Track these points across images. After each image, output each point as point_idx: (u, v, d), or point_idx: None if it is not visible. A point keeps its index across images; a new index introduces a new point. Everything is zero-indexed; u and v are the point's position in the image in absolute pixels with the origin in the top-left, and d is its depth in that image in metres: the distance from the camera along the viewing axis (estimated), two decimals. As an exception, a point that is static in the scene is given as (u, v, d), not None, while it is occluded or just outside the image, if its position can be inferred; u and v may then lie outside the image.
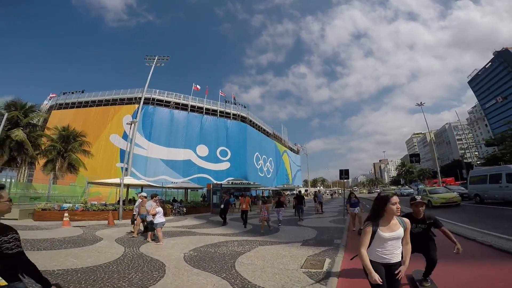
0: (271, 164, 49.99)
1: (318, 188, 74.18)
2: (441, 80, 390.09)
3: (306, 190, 50.63)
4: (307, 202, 18.72)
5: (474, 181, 17.45)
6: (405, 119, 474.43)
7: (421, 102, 38.32)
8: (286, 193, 39.37)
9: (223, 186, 24.43)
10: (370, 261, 2.37)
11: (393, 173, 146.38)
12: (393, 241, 2.42)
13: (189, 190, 26.58)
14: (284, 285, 4.17)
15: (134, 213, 9.79)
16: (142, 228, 9.33)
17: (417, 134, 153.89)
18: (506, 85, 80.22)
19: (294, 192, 46.61)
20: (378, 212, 2.49)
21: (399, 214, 2.52)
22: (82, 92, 41.32)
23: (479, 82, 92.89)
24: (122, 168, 19.77)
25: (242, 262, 5.52)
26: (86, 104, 39.77)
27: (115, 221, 12.81)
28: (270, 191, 42.85)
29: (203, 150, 37.21)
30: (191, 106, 39.27)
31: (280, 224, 11.64)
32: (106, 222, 12.47)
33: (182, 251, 6.64)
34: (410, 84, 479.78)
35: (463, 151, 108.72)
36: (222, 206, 12.45)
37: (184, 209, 18.05)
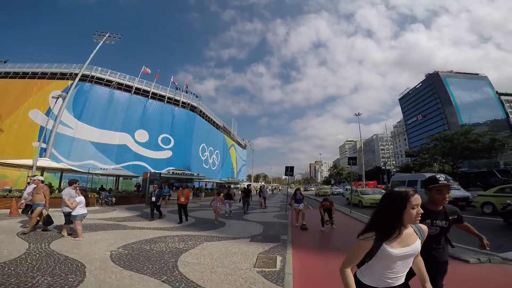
0: (217, 156, 48.92)
1: (261, 183, 76.15)
2: (378, 96, 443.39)
3: (249, 185, 51.07)
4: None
5: (395, 184, 19.88)
6: (342, 127, 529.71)
7: (358, 113, 43.76)
8: (231, 187, 38.91)
9: (162, 175, 22.61)
10: (363, 285, 1.66)
11: (326, 173, 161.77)
12: (405, 259, 1.62)
13: (121, 178, 23.86)
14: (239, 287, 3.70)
15: (22, 201, 7.74)
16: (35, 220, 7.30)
17: (350, 141, 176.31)
18: (428, 105, 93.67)
19: (238, 186, 47.03)
20: (388, 218, 1.62)
21: (418, 221, 1.66)
22: (5, 62, 33.95)
23: (408, 100, 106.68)
24: (39, 148, 16.34)
25: (186, 261, 4.80)
26: (6, 75, 32.59)
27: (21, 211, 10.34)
28: (214, 184, 42.04)
29: (142, 135, 33.81)
30: (137, 88, 35.55)
31: (231, 215, 12.12)
32: (8, 211, 10.00)
33: (109, 249, 5.53)
34: (351, 95, 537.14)
35: (385, 160, 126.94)
36: (153, 198, 10.56)
37: (113, 199, 15.90)
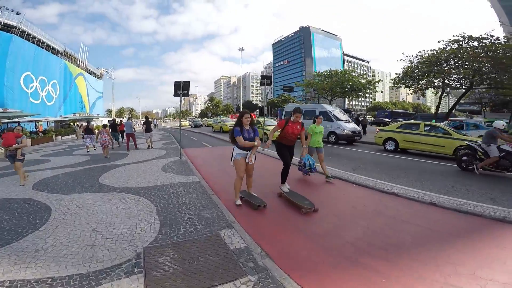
0: (54, 88, 34.78)
1: (126, 118, 63.42)
2: (252, 40, 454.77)
3: (114, 119, 39.93)
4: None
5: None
6: (217, 64, 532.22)
7: (242, 47, 42.60)
8: (81, 124, 28.38)
9: None
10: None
11: (201, 106, 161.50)
12: None
13: None
14: None
15: None
16: None
17: (225, 76, 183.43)
18: (294, 53, 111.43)
19: (92, 123, 35.68)
20: None
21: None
22: None
23: (279, 46, 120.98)
24: None
25: None
26: None
27: None
28: (52, 123, 29.29)
29: None
30: None
31: (95, 149, 11.79)
32: None
33: None
34: (229, 35, 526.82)
35: (253, 95, 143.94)
36: None
37: None
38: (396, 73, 24.72)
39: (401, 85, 24.71)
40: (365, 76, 36.70)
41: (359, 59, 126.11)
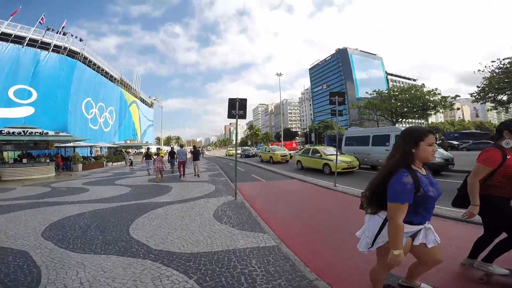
0: (111, 114, 36.88)
1: (173, 145, 66.15)
2: (286, 66, 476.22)
3: (158, 149, 41.29)
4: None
5: (350, 140, 15.97)
6: (253, 92, 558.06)
7: (280, 73, 41.71)
8: (132, 151, 29.32)
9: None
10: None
11: (240, 135, 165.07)
12: None
13: None
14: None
15: None
16: None
17: (262, 104, 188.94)
18: (333, 76, 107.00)
19: (142, 150, 37.07)
20: None
21: None
22: None
23: (316, 71, 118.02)
24: None
25: None
26: None
27: None
28: (104, 149, 30.83)
29: (-25, 88, 21.52)
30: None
31: (150, 173, 13.39)
32: None
33: None
34: (263, 64, 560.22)
35: (291, 122, 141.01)
36: None
37: None
38: (477, 86, 20.74)
39: (486, 100, 20.71)
40: (437, 92, 30.32)
41: (404, 77, 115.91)
